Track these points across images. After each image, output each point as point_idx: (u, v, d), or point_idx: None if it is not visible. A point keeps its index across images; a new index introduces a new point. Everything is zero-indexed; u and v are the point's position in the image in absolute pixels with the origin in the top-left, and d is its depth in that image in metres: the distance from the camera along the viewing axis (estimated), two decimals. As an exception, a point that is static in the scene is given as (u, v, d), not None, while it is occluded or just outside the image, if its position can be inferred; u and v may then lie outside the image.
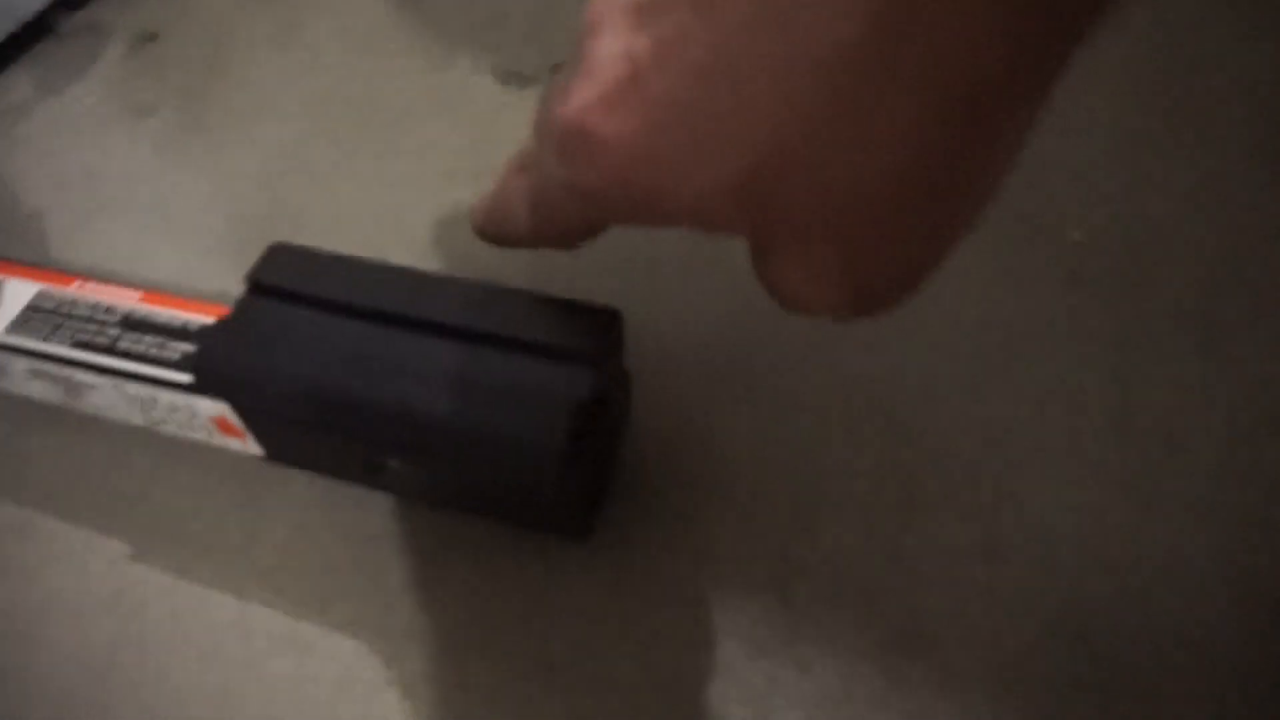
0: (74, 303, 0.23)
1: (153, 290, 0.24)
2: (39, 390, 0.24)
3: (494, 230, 0.21)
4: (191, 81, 0.34)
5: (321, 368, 0.20)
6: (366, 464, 0.22)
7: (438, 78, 0.33)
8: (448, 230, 0.29)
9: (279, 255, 0.22)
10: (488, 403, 0.19)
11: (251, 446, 0.23)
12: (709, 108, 0.13)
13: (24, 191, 0.31)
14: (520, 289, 0.21)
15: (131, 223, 0.30)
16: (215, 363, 0.21)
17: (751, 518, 0.23)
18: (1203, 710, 0.20)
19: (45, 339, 0.23)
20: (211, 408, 0.22)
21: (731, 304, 0.27)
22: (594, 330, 0.21)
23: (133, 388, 0.22)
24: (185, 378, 0.22)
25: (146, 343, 0.22)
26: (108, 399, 0.23)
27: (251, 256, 0.23)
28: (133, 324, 0.23)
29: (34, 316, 0.23)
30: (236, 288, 0.22)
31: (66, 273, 0.24)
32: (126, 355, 0.22)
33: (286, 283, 0.22)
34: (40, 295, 0.23)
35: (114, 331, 0.23)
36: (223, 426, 0.23)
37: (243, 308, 0.21)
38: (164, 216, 0.30)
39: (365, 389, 0.20)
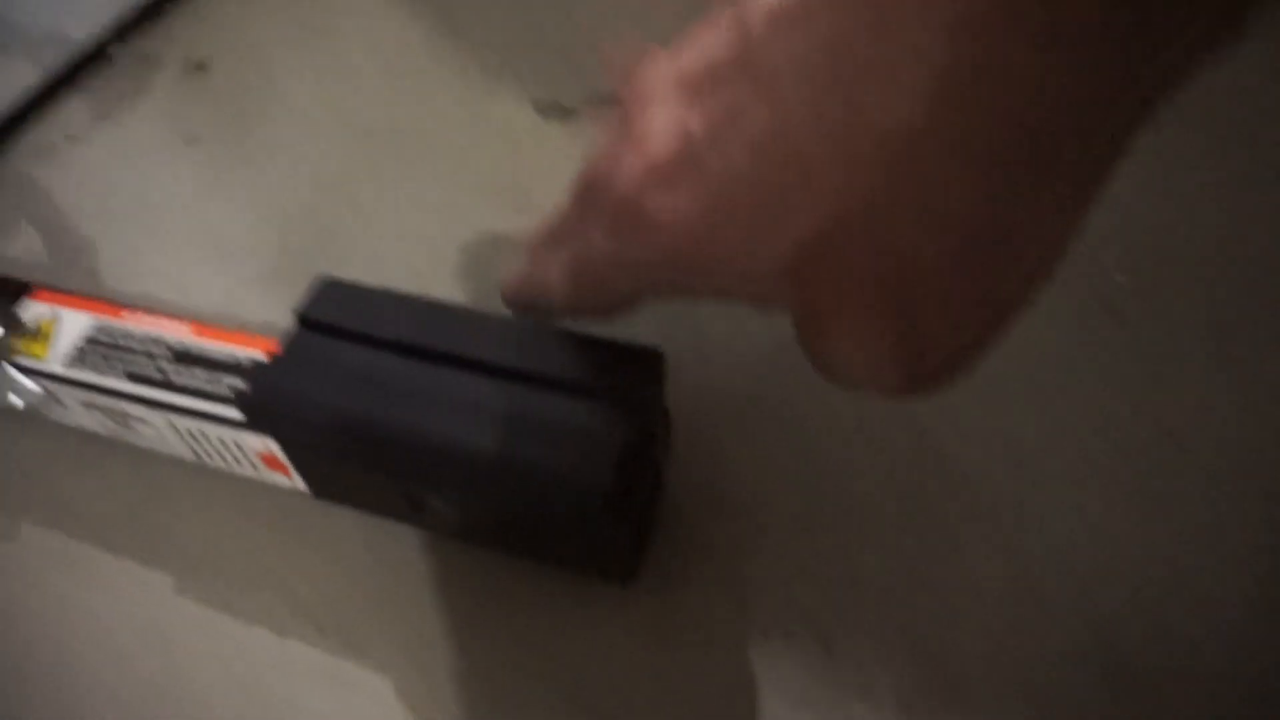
0: (128, 335, 0.24)
1: (203, 321, 0.24)
2: (90, 421, 0.25)
3: (527, 304, 0.21)
4: (238, 110, 0.34)
5: (369, 405, 0.20)
6: (410, 502, 0.22)
7: (479, 108, 0.33)
8: (487, 260, 0.29)
9: (327, 290, 0.23)
10: (534, 442, 0.19)
11: (297, 482, 0.23)
12: (766, 183, 0.13)
13: (77, 218, 0.32)
14: (563, 328, 0.21)
15: (179, 250, 0.31)
16: (265, 399, 0.21)
17: (791, 557, 0.23)
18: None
19: (100, 372, 0.23)
20: (259, 443, 0.22)
21: (768, 339, 0.27)
22: (638, 370, 0.21)
23: (183, 422, 0.23)
24: (234, 413, 0.22)
25: (198, 377, 0.22)
26: (158, 432, 0.24)
27: (296, 285, 0.23)
28: (184, 357, 0.23)
29: (89, 349, 0.24)
30: (282, 316, 0.22)
31: (120, 304, 0.24)
32: (178, 389, 0.22)
33: (334, 318, 0.22)
34: (95, 328, 0.24)
35: (166, 365, 0.23)
36: (269, 462, 0.23)
37: (291, 343, 0.22)
38: (211, 244, 0.31)
39: (412, 426, 0.20)
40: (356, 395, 0.20)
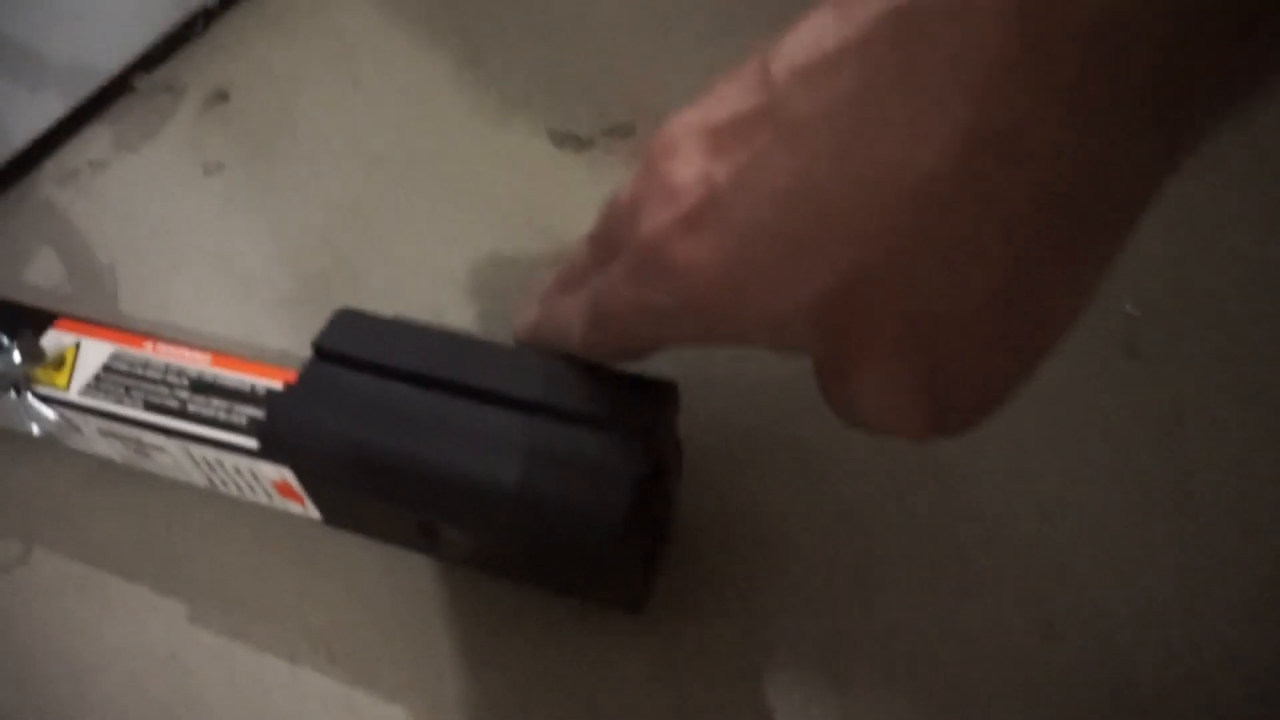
0: (146, 364, 0.24)
1: (221, 350, 0.24)
2: (107, 448, 0.25)
3: (541, 346, 0.21)
4: (259, 139, 0.35)
5: (385, 436, 0.20)
6: (424, 531, 0.22)
7: (496, 138, 0.34)
8: (503, 289, 0.29)
9: (344, 321, 0.23)
10: (548, 474, 0.20)
11: (310, 510, 0.23)
12: (791, 232, 0.13)
13: (99, 245, 0.32)
14: (578, 360, 0.22)
15: (199, 278, 0.31)
16: (281, 430, 0.21)
17: (804, 590, 0.23)
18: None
19: (118, 401, 0.23)
20: (274, 472, 0.22)
21: (783, 372, 0.26)
22: (652, 403, 0.21)
23: (199, 450, 0.23)
24: (251, 443, 0.22)
25: (215, 406, 0.23)
26: (174, 460, 0.24)
27: (313, 312, 0.23)
28: (202, 387, 0.23)
29: (108, 378, 0.24)
30: (299, 343, 0.23)
31: (139, 333, 0.25)
32: (195, 419, 0.23)
33: (351, 349, 0.22)
34: (114, 356, 0.24)
35: (184, 394, 0.23)
36: (283, 490, 0.23)
37: (308, 374, 0.22)
38: (230, 272, 0.31)
39: (427, 457, 0.20)
40: (372, 426, 0.21)
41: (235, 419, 0.22)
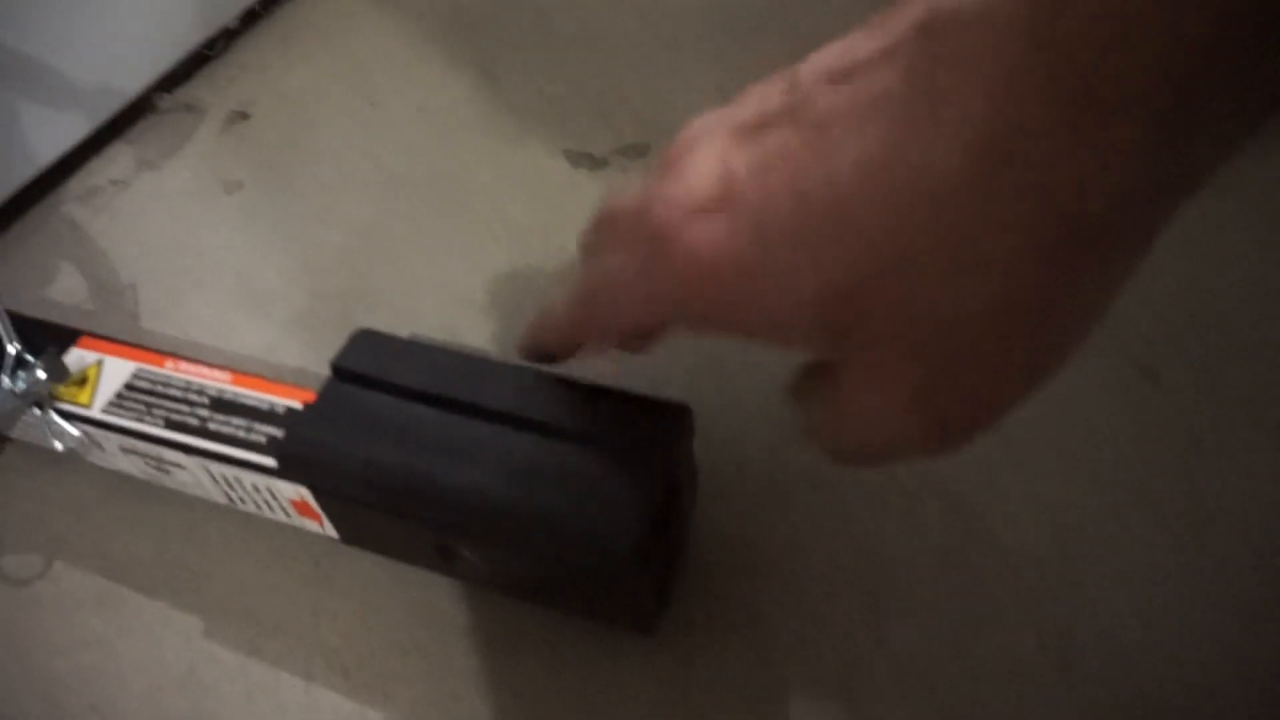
0: (168, 383, 0.24)
1: (240, 369, 0.24)
2: (128, 465, 0.25)
3: (537, 347, 0.21)
4: (278, 158, 0.35)
5: (401, 456, 0.21)
6: (440, 551, 0.22)
7: (511, 157, 0.34)
8: (518, 308, 0.30)
9: (362, 342, 0.23)
10: (563, 496, 0.20)
11: (327, 529, 0.24)
12: (805, 225, 0.13)
13: (120, 263, 0.33)
14: (594, 382, 0.22)
15: (218, 297, 0.31)
16: (300, 449, 0.22)
17: (816, 613, 0.23)
18: None
19: (140, 418, 0.24)
20: (292, 491, 0.23)
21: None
22: (666, 425, 0.21)
23: (218, 468, 0.23)
24: (270, 461, 0.22)
25: (234, 425, 0.23)
26: (194, 477, 0.24)
27: (331, 330, 0.23)
28: (222, 406, 0.23)
29: (130, 395, 0.24)
30: (316, 361, 0.23)
31: (161, 352, 0.25)
32: (215, 437, 0.23)
33: (369, 369, 0.22)
34: (136, 374, 0.25)
35: (204, 413, 0.23)
36: (300, 508, 0.23)
37: (327, 394, 0.22)
38: (248, 291, 0.31)
39: (443, 478, 0.20)
40: (389, 446, 0.21)
41: (255, 438, 0.23)
